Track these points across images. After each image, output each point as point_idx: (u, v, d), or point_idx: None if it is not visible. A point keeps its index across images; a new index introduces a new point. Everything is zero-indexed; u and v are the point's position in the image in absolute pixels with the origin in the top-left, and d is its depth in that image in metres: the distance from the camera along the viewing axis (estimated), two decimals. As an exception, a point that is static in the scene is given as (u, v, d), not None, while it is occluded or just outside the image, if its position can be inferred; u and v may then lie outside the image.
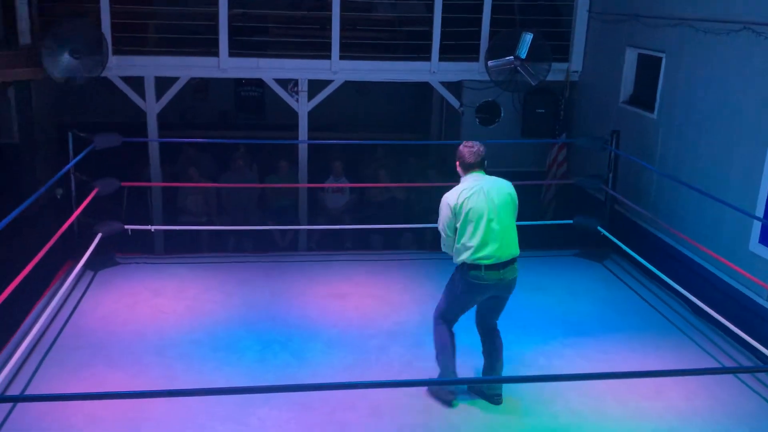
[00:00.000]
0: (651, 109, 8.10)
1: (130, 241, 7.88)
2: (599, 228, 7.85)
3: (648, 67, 8.37)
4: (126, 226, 7.41)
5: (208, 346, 5.86)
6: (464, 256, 4.85)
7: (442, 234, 4.97)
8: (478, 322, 5.20)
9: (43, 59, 8.46)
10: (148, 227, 7.96)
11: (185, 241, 9.38)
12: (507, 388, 5.25)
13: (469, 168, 4.95)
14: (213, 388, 4.79)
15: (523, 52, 8.94)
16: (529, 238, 8.25)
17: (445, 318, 5.14)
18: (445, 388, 5.12)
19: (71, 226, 6.87)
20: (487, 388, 5.18)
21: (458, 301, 5.05)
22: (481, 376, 5.25)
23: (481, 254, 4.82)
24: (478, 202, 4.85)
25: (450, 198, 4.86)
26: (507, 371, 5.57)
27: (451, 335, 5.11)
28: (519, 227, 7.92)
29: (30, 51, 8.86)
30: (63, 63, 8.40)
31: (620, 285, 7.38)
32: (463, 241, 4.84)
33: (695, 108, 7.29)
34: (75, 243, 7.10)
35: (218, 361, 5.63)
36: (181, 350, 5.77)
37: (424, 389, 5.23)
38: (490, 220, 4.86)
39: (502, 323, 6.28)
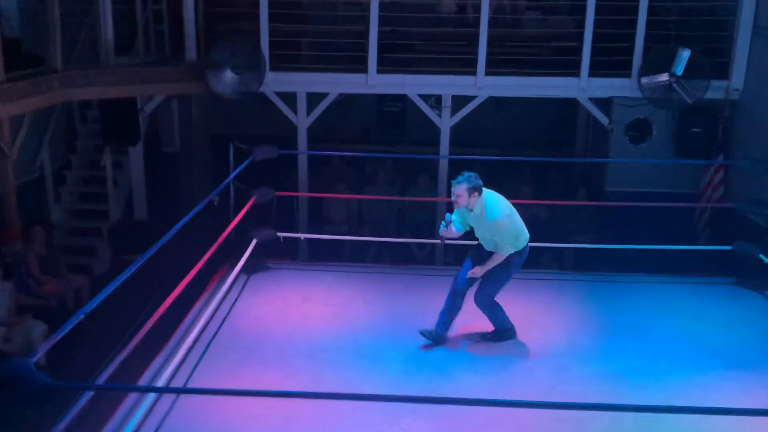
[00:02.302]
0: (823, 130, 7.53)
1: (277, 248, 8.22)
2: (761, 256, 7.36)
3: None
4: (278, 234, 7.75)
5: (353, 353, 6.00)
6: (521, 242, 6.00)
7: (512, 247, 5.93)
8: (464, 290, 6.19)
9: (207, 75, 9.03)
10: (298, 235, 8.28)
11: (327, 250, 9.66)
12: (658, 420, 5.02)
13: (482, 188, 5.92)
14: (364, 394, 4.88)
15: (679, 68, 8.58)
16: (682, 263, 7.95)
17: (494, 297, 6.18)
18: (510, 333, 6.30)
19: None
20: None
21: (508, 280, 6.15)
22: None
23: (527, 235, 6.10)
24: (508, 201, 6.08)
25: (509, 211, 5.97)
26: (658, 401, 5.34)
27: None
28: (671, 251, 7.69)
29: (194, 67, 9.49)
30: (225, 79, 8.93)
31: (784, 317, 6.88)
32: (521, 231, 6.02)
33: None
34: (231, 247, 7.50)
35: (364, 368, 5.76)
36: (328, 355, 5.95)
37: (569, 413, 5.10)
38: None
39: (655, 351, 6.12)
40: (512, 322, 6.28)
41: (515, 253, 5.99)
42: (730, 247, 7.59)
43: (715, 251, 7.93)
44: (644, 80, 8.89)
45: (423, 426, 5.01)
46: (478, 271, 5.99)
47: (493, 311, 6.20)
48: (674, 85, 8.68)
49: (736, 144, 9.35)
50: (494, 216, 5.83)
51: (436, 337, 6.14)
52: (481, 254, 6.10)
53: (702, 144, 9.36)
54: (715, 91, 9.11)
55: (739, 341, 6.31)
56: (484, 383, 5.61)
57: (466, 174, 5.87)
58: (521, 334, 6.41)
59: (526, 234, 6.07)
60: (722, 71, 9.21)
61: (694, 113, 9.35)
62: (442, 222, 6.08)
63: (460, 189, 5.84)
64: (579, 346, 6.19)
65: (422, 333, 6.13)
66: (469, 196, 5.85)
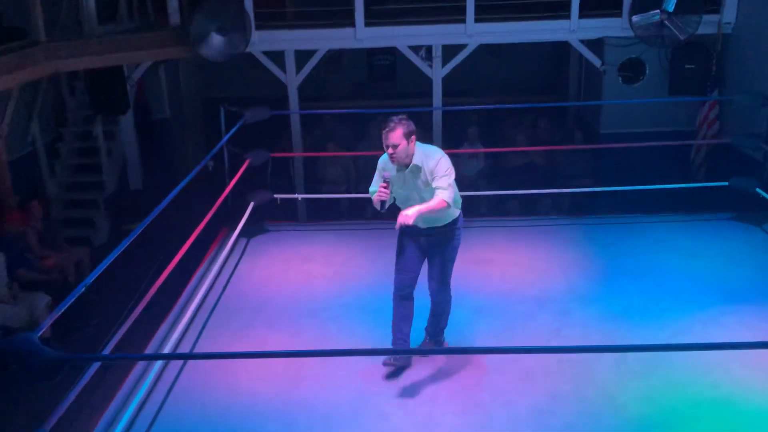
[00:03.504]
0: (817, 59, 7.46)
1: (275, 210, 8.21)
2: (758, 190, 7.36)
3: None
4: (275, 195, 7.73)
5: (357, 309, 6.04)
6: (458, 205, 4.97)
7: (453, 193, 4.77)
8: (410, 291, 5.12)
9: (193, 38, 8.88)
10: (295, 196, 8.27)
11: (326, 209, 9.67)
12: (662, 357, 5.10)
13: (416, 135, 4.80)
14: (369, 349, 4.95)
15: (670, 4, 8.45)
16: (680, 201, 7.96)
17: (450, 281, 5.11)
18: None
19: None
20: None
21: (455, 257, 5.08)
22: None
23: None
24: None
25: (446, 156, 4.80)
26: (661, 339, 5.40)
27: None
28: (668, 189, 7.66)
29: (179, 30, 9.34)
30: (211, 41, 8.79)
31: (782, 250, 6.92)
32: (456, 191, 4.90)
33: None
34: (229, 211, 7.50)
35: (368, 324, 5.79)
36: (332, 313, 5.99)
37: (574, 355, 5.17)
38: None
39: (655, 290, 6.16)
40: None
41: (455, 222, 4.95)
42: (727, 183, 7.59)
43: (712, 188, 7.92)
44: (635, 18, 8.76)
45: (431, 375, 5.08)
46: (409, 217, 4.62)
47: (447, 307, 5.15)
48: (666, 21, 8.56)
49: (730, 78, 9.26)
50: (436, 155, 4.71)
51: (401, 360, 5.12)
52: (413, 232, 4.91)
53: (696, 80, 9.27)
54: (707, 25, 8.98)
55: (739, 275, 6.36)
56: (487, 331, 5.66)
57: (396, 117, 4.70)
58: (522, 280, 6.45)
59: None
60: (714, 5, 9.07)
61: (686, 49, 9.24)
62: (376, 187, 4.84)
63: (395, 135, 4.61)
64: (580, 290, 6.24)
65: (385, 363, 5.07)
66: (408, 142, 4.66)
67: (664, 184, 7.79)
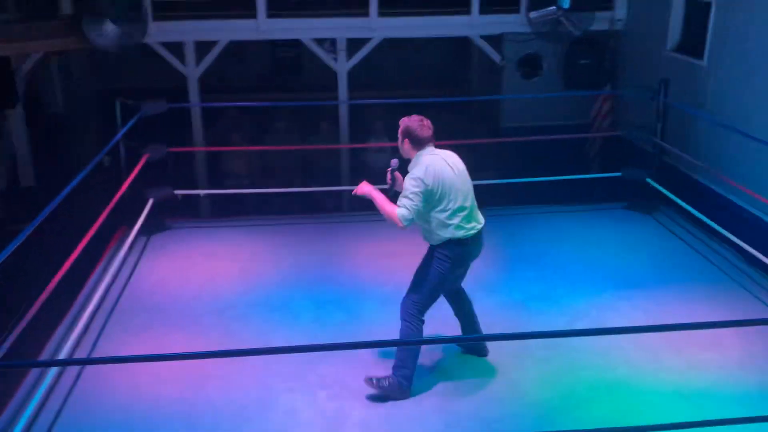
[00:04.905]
0: (700, 56, 7.90)
1: (178, 206, 7.98)
2: (648, 180, 7.74)
3: (696, 13, 8.14)
4: (176, 192, 7.51)
5: (263, 307, 5.96)
6: (448, 233, 4.62)
7: (409, 216, 4.49)
8: (446, 291, 5.01)
9: (86, 28, 8.51)
10: (198, 192, 8.05)
11: (231, 205, 9.48)
12: (561, 342, 5.29)
13: (422, 143, 4.63)
14: (277, 347, 4.90)
15: (565, 2, 8.74)
16: (575, 192, 8.26)
17: (424, 311, 4.77)
18: (405, 390, 4.82)
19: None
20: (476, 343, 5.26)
21: (444, 284, 4.77)
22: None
23: (467, 226, 4.64)
24: (449, 176, 4.59)
25: (425, 177, 4.49)
26: (560, 324, 5.60)
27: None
28: (565, 181, 7.91)
29: (71, 20, 8.92)
30: (106, 31, 8.45)
31: (671, 236, 7.31)
32: (443, 217, 4.59)
33: (747, 53, 7.08)
34: (127, 209, 7.22)
35: (275, 321, 5.74)
36: (237, 311, 5.89)
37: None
38: (464, 193, 4.66)
39: (554, 277, 6.38)
40: (412, 382, 4.82)
41: (444, 247, 4.65)
42: (619, 174, 7.94)
43: (606, 178, 8.27)
44: (532, 15, 9.03)
45: (338, 370, 5.08)
46: (360, 188, 4.78)
47: (413, 331, 4.75)
48: (561, 18, 8.86)
49: (622, 73, 9.69)
50: (415, 171, 4.54)
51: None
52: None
53: (590, 75, 9.66)
54: (601, 22, 9.37)
55: (631, 262, 6.68)
56: (393, 323, 5.64)
57: (413, 116, 4.70)
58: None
59: (467, 226, 4.62)
60: (607, 2, 9.46)
61: (581, 45, 9.61)
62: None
63: (399, 129, 4.71)
64: (483, 279, 6.33)
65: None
66: (401, 141, 4.69)
67: (562, 175, 8.07)
